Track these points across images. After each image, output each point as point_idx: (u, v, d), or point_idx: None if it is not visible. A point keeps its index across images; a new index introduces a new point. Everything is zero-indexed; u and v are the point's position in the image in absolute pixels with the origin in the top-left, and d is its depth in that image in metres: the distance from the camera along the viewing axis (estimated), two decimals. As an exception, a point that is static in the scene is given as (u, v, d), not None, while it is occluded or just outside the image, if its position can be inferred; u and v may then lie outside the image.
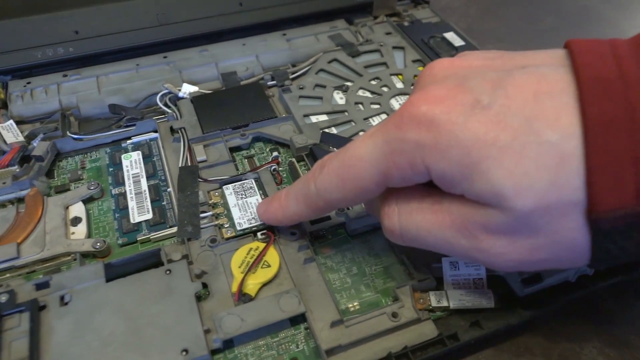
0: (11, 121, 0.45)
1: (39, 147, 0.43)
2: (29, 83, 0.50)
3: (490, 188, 0.23)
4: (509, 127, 0.23)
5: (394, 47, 0.56)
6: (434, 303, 0.33)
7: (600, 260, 0.25)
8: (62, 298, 0.32)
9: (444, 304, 0.33)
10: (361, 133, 0.46)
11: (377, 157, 0.27)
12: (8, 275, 0.35)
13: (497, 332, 0.32)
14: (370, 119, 0.47)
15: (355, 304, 0.34)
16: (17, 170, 0.41)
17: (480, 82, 0.25)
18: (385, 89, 0.51)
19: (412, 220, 0.28)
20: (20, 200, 0.40)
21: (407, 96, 0.50)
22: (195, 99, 0.48)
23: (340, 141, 0.43)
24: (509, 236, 0.25)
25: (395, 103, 0.49)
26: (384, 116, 0.48)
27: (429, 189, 0.27)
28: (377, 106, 0.49)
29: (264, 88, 0.50)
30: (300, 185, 0.32)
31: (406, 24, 0.60)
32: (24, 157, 0.43)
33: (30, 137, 0.45)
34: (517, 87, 0.24)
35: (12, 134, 0.44)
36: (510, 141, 0.23)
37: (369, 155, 0.27)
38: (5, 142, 0.43)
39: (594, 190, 0.22)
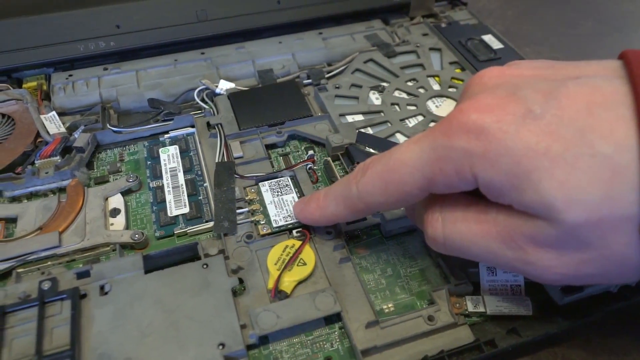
0: (54, 112, 0.46)
1: (80, 138, 0.44)
2: (70, 75, 0.51)
3: (540, 199, 0.23)
4: (561, 137, 0.23)
5: (431, 49, 0.55)
6: (470, 308, 0.33)
7: None
8: (102, 287, 0.33)
9: (481, 309, 0.33)
10: (397, 134, 0.46)
11: (423, 163, 0.27)
12: (49, 263, 0.36)
13: (534, 340, 0.31)
14: (406, 120, 0.47)
15: (390, 305, 0.34)
16: (59, 160, 0.42)
17: (532, 92, 0.24)
18: (421, 90, 0.50)
19: (456, 230, 0.28)
20: (61, 190, 0.41)
21: (444, 98, 0.49)
22: (232, 96, 0.48)
23: (376, 141, 0.43)
24: (557, 249, 0.24)
25: (432, 105, 0.49)
26: (420, 118, 0.47)
27: (475, 198, 0.27)
28: (413, 107, 0.48)
29: (300, 86, 0.50)
30: (341, 186, 0.32)
31: (443, 25, 0.60)
32: (66, 148, 0.44)
33: (71, 129, 0.46)
34: (570, 98, 0.23)
35: (55, 125, 0.45)
36: (562, 152, 0.22)
37: (415, 160, 0.27)
38: (48, 132, 0.44)
39: None
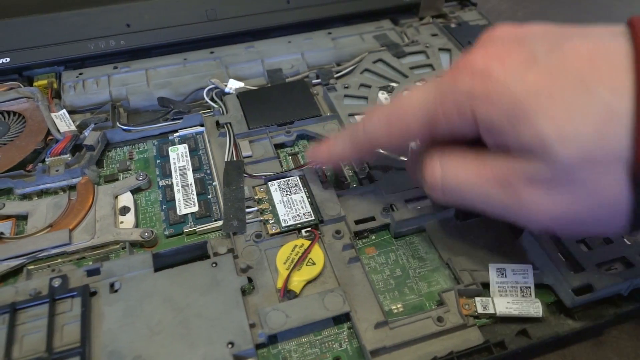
0: (64, 110, 0.46)
1: (90, 136, 0.44)
2: (81, 74, 0.51)
3: (535, 135, 0.24)
4: (561, 81, 0.24)
5: (440, 49, 0.55)
6: (479, 309, 0.33)
7: (637, 224, 0.25)
8: (112, 285, 0.33)
9: (490, 310, 0.33)
10: (406, 134, 0.45)
11: (427, 103, 0.28)
12: (60, 260, 0.36)
13: (544, 342, 0.31)
14: (415, 121, 0.47)
15: (399, 305, 0.34)
16: (69, 158, 0.42)
17: (538, 42, 0.25)
18: (431, 90, 0.50)
19: (454, 175, 0.29)
20: (72, 187, 0.41)
21: (454, 99, 0.49)
22: (242, 95, 0.48)
23: (385, 142, 0.43)
24: (549, 188, 0.25)
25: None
26: (429, 118, 0.47)
27: (473, 146, 0.28)
28: (422, 108, 0.48)
29: (309, 86, 0.50)
30: (350, 129, 0.34)
31: (453, 25, 0.59)
32: (76, 146, 0.44)
33: (81, 127, 0.46)
34: (573, 49, 0.24)
35: (65, 123, 0.46)
36: (561, 94, 0.23)
37: (420, 101, 0.29)
38: (58, 130, 0.45)
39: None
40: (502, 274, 0.34)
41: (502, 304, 0.33)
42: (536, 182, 0.25)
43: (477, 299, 0.33)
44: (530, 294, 0.33)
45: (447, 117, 0.27)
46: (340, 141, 0.35)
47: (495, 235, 0.37)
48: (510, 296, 0.33)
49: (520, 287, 0.33)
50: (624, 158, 0.23)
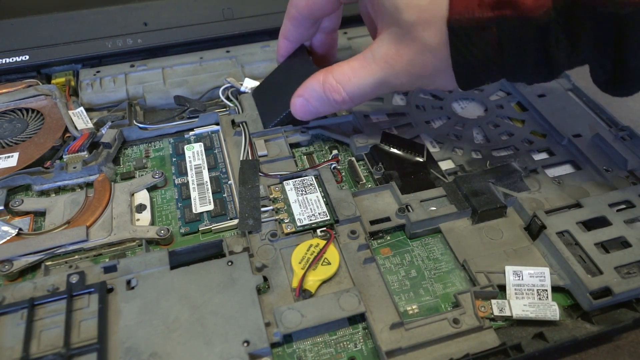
0: (81, 108, 0.47)
1: (107, 134, 0.44)
2: (98, 72, 0.52)
3: (393, 2, 0.34)
4: None
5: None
6: (495, 312, 0.32)
7: (462, 71, 0.34)
8: (128, 282, 0.33)
9: (506, 313, 0.32)
10: (422, 135, 0.45)
11: None
12: (77, 257, 0.37)
13: (561, 345, 0.31)
14: (431, 122, 0.47)
15: (414, 307, 0.34)
16: (87, 155, 0.43)
17: None
18: (446, 92, 0.50)
19: (352, 83, 0.38)
20: (89, 184, 0.42)
21: (469, 101, 0.49)
22: (255, 93, 0.48)
23: (401, 142, 0.43)
24: (398, 44, 0.35)
25: (457, 106, 0.49)
26: (445, 119, 0.47)
27: (355, 59, 0.38)
28: (438, 109, 0.48)
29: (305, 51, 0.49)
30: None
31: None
32: (93, 144, 0.44)
33: (98, 125, 0.46)
34: None
35: (82, 120, 0.46)
36: None
37: None
38: (76, 128, 0.45)
39: (451, 2, 0.31)
40: (519, 277, 0.34)
41: (519, 306, 0.32)
42: (392, 42, 0.35)
43: (494, 301, 0.33)
44: (547, 297, 0.33)
45: None
46: (283, 22, 0.45)
47: (511, 237, 0.37)
48: (526, 299, 0.33)
49: (537, 289, 0.33)
50: (444, 16, 0.32)
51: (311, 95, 0.41)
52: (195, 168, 0.43)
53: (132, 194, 0.41)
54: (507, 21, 0.31)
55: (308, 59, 0.46)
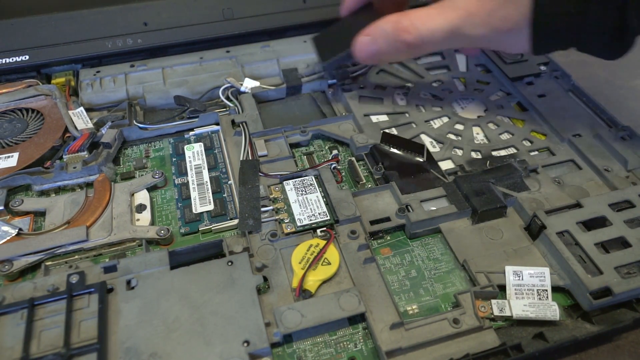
0: (81, 108, 0.47)
1: (107, 134, 0.44)
2: (98, 72, 0.51)
3: None
4: None
5: (456, 50, 0.55)
6: (495, 312, 0.32)
7: (540, 28, 0.34)
8: (128, 282, 0.33)
9: (507, 313, 0.32)
10: (422, 135, 0.45)
11: None
12: (77, 257, 0.37)
13: (562, 345, 0.31)
14: (431, 121, 0.47)
15: (414, 307, 0.34)
16: (87, 155, 0.43)
17: None
18: (447, 91, 0.50)
19: (426, 26, 0.38)
20: (89, 184, 0.42)
21: (469, 100, 0.49)
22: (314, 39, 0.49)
23: (401, 142, 0.43)
24: None
25: (457, 106, 0.49)
26: (445, 119, 0.47)
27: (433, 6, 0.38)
28: (438, 109, 0.48)
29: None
30: None
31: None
32: (93, 144, 0.44)
33: (98, 125, 0.46)
34: None
35: (82, 120, 0.46)
36: None
37: None
38: (76, 128, 0.45)
39: None
40: (519, 277, 0.34)
41: (519, 306, 0.32)
42: None
43: (494, 301, 0.33)
44: (547, 297, 0.33)
45: None
46: None
47: (511, 237, 0.37)
48: (527, 299, 0.33)
49: (537, 289, 0.33)
50: None
51: (380, 34, 0.40)
52: (195, 168, 0.43)
53: (132, 194, 0.41)
54: None
55: (378, 12, 0.45)
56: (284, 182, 0.41)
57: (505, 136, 0.46)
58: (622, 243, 0.35)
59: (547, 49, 0.37)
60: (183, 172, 0.43)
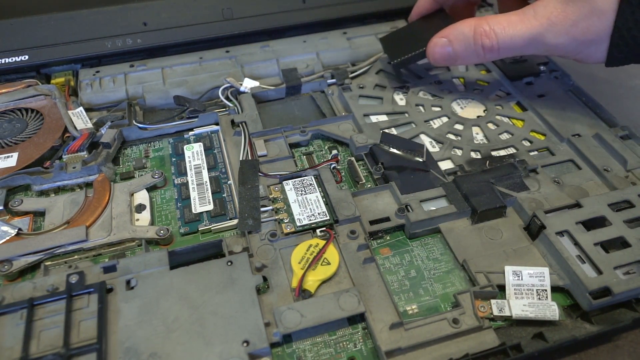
0: (81, 108, 0.47)
1: (107, 134, 0.44)
2: (97, 72, 0.51)
3: None
4: None
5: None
6: (495, 312, 0.32)
7: (619, 41, 0.35)
8: (128, 282, 0.33)
9: (506, 313, 0.32)
10: (421, 135, 0.45)
11: None
12: (76, 257, 0.37)
13: (561, 345, 0.31)
14: (431, 121, 0.47)
15: (414, 307, 0.34)
16: (86, 155, 0.43)
17: None
18: (446, 91, 0.50)
19: (506, 32, 0.39)
20: (88, 184, 0.42)
21: (468, 100, 0.49)
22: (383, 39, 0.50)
23: (400, 142, 0.43)
24: (565, 5, 0.37)
25: (457, 106, 0.49)
26: (444, 119, 0.47)
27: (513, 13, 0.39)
28: (438, 109, 0.48)
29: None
30: None
31: (468, 26, 0.59)
32: (93, 144, 0.44)
33: (98, 125, 0.46)
34: None
35: (82, 120, 0.46)
36: None
37: None
38: (75, 128, 0.45)
39: None
40: (518, 277, 0.34)
41: (518, 306, 0.32)
42: (561, 3, 0.37)
43: (493, 301, 0.33)
44: (547, 297, 0.33)
45: None
46: None
47: (511, 237, 0.37)
48: (526, 299, 0.33)
49: (537, 289, 0.33)
50: None
51: (457, 37, 0.41)
52: (194, 168, 0.43)
53: (132, 194, 0.41)
54: None
55: (450, 16, 0.46)
56: (284, 182, 0.41)
57: (504, 136, 0.46)
58: (621, 243, 0.35)
59: (622, 62, 0.38)
60: (183, 172, 0.43)
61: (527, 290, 0.33)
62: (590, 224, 0.36)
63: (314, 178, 0.41)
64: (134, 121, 0.47)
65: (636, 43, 0.35)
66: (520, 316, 0.32)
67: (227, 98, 0.49)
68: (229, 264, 0.34)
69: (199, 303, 0.32)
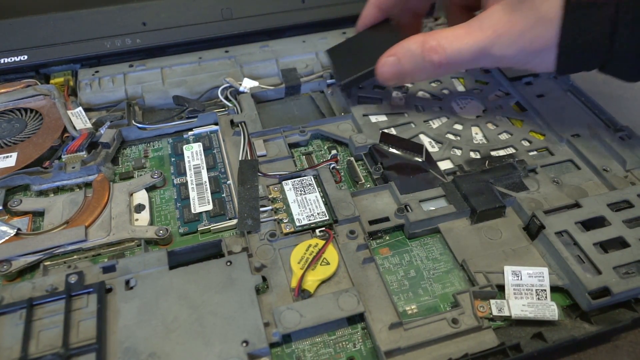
0: (80, 108, 0.47)
1: (106, 134, 0.44)
2: (97, 72, 0.51)
3: None
4: None
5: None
6: (494, 312, 0.32)
7: (567, 50, 0.34)
8: (127, 282, 0.33)
9: (505, 313, 0.32)
10: (421, 135, 0.45)
11: None
12: (76, 257, 0.37)
13: (560, 345, 0.31)
14: (430, 122, 0.47)
15: (413, 307, 0.34)
16: (86, 155, 0.43)
17: None
18: (445, 91, 0.50)
19: (454, 47, 0.38)
20: (87, 184, 0.42)
21: (468, 100, 0.49)
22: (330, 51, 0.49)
23: (400, 142, 0.43)
24: (510, 15, 0.36)
25: (456, 106, 0.49)
26: (444, 119, 0.47)
27: (460, 26, 0.38)
28: (437, 109, 0.48)
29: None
30: None
31: (468, 26, 0.59)
32: (92, 144, 0.44)
33: (97, 125, 0.46)
34: None
35: (81, 120, 0.46)
36: None
37: None
38: (74, 128, 0.45)
39: None
40: (518, 277, 0.34)
41: (518, 306, 0.32)
42: (505, 11, 0.36)
43: (492, 301, 0.33)
44: (546, 297, 0.33)
45: None
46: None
47: (510, 237, 0.37)
48: (525, 299, 0.33)
49: (536, 289, 0.33)
50: None
51: (405, 54, 0.40)
52: (194, 168, 0.43)
53: (131, 194, 0.41)
54: (628, 1, 0.31)
55: (397, 29, 0.45)
56: (283, 182, 0.41)
57: (504, 136, 0.46)
58: (620, 243, 0.35)
59: (572, 69, 0.37)
60: (182, 172, 0.43)
61: (527, 290, 0.33)
62: (590, 224, 0.36)
63: (314, 178, 0.41)
64: (133, 121, 0.47)
65: (584, 50, 0.34)
66: (520, 316, 0.32)
67: (227, 98, 0.49)
68: (229, 264, 0.34)
69: (198, 303, 0.32)
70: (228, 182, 0.42)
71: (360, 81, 0.43)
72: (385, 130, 0.45)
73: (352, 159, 0.44)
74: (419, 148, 0.42)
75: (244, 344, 0.30)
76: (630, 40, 0.33)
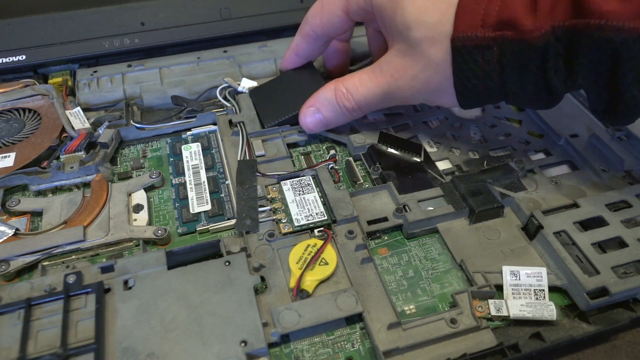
0: (78, 108, 0.47)
1: (104, 134, 0.44)
2: (95, 72, 0.51)
3: (403, 20, 0.35)
4: None
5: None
6: (493, 312, 0.32)
7: (463, 90, 0.35)
8: (126, 282, 0.33)
9: (504, 313, 0.32)
10: (419, 135, 0.45)
11: None
12: (74, 257, 0.37)
13: (559, 345, 0.31)
14: (428, 122, 0.47)
15: (412, 307, 0.34)
16: (84, 155, 0.42)
17: None
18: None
19: (360, 93, 0.40)
20: (86, 185, 0.42)
21: (467, 100, 0.49)
22: (253, 93, 0.48)
23: (398, 142, 0.43)
24: (404, 58, 0.37)
25: (455, 107, 0.48)
26: (442, 119, 0.47)
27: (365, 71, 0.40)
28: (435, 109, 0.48)
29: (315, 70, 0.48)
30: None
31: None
32: (90, 144, 0.44)
33: (95, 124, 0.46)
34: None
35: (79, 120, 0.46)
36: None
37: None
38: (73, 128, 0.45)
39: (456, 21, 0.33)
40: (516, 277, 0.34)
41: (516, 306, 0.32)
42: (399, 55, 0.37)
43: (491, 301, 0.33)
44: (544, 297, 0.33)
45: (357, 2, 0.40)
46: (296, 37, 0.46)
47: (508, 237, 0.37)
48: (524, 299, 0.33)
49: (534, 289, 0.33)
50: (449, 34, 0.33)
51: (322, 103, 0.42)
52: (192, 168, 0.43)
53: (130, 194, 0.41)
54: (508, 42, 0.31)
55: (317, 73, 0.47)
56: (282, 182, 0.41)
57: (502, 136, 0.46)
58: (618, 243, 0.35)
59: (474, 105, 0.37)
60: (180, 172, 0.43)
61: (525, 290, 0.33)
62: (588, 224, 0.36)
63: (312, 178, 0.41)
64: (131, 121, 0.47)
65: (479, 91, 0.34)
66: (518, 316, 0.32)
67: (225, 98, 0.49)
68: (227, 264, 0.34)
69: (197, 303, 0.32)
70: (227, 182, 0.42)
71: (285, 124, 0.45)
72: (384, 131, 0.45)
73: (350, 159, 0.44)
74: (417, 148, 0.42)
75: (243, 344, 0.30)
76: (522, 80, 0.32)
